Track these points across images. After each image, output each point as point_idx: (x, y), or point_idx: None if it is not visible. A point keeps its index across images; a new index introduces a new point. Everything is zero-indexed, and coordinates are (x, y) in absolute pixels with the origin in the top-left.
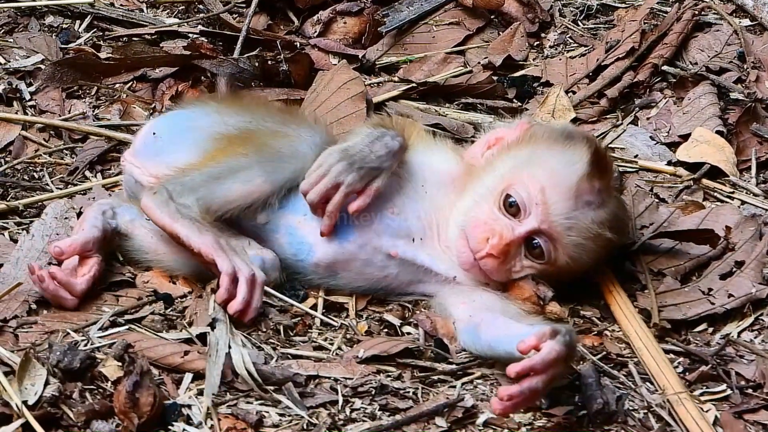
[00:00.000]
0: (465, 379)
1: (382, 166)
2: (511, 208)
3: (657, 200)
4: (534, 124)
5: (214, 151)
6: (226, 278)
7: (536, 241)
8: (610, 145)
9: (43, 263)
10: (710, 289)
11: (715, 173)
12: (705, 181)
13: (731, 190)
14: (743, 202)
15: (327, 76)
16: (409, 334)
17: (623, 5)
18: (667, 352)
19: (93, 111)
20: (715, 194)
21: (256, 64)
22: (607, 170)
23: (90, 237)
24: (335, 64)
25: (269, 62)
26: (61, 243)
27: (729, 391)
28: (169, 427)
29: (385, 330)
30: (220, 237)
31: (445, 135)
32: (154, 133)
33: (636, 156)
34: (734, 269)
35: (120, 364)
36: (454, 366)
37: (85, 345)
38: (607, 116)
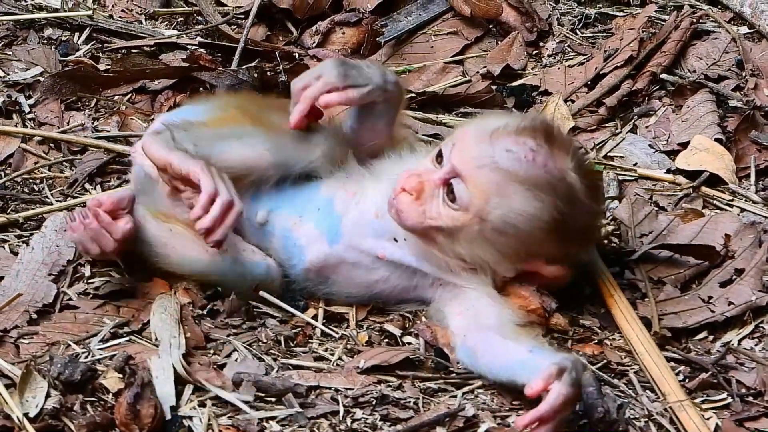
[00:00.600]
0: (466, 389)
1: (370, 82)
2: (439, 157)
3: (656, 208)
4: None
5: (224, 116)
6: (205, 196)
7: (451, 184)
8: (609, 154)
9: (43, 275)
10: (710, 297)
11: (714, 181)
12: (704, 188)
13: (731, 197)
14: (742, 210)
15: None
16: (409, 344)
17: (621, 14)
18: (667, 360)
19: (92, 123)
20: (714, 201)
21: (255, 76)
22: (555, 139)
23: (125, 195)
24: None
25: (268, 73)
26: (99, 195)
27: (729, 399)
28: None
29: (386, 340)
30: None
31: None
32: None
33: (635, 164)
34: (734, 277)
35: (121, 375)
36: (454, 376)
37: (86, 357)
38: (606, 125)
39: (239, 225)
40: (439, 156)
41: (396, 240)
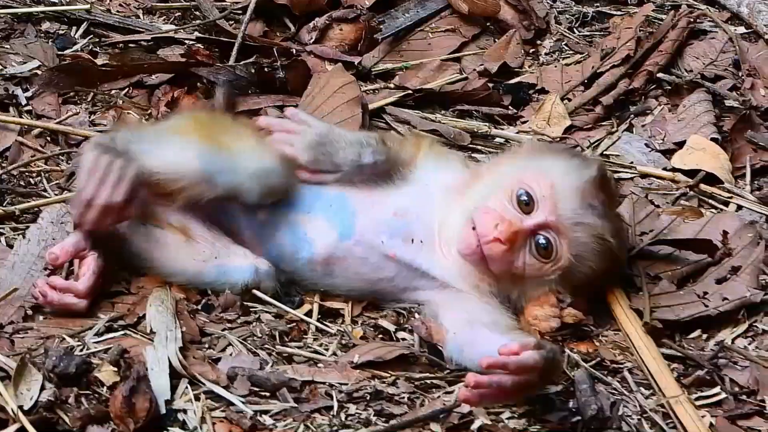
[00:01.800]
0: (460, 385)
1: (340, 169)
2: (524, 204)
3: (655, 206)
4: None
5: (178, 125)
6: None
7: (543, 236)
8: (605, 153)
9: (39, 268)
10: (705, 293)
11: (711, 181)
12: (702, 186)
13: (729, 195)
14: (740, 207)
15: (322, 79)
16: (404, 339)
17: (619, 13)
18: (663, 356)
19: (89, 117)
20: (711, 201)
21: (253, 71)
22: (611, 189)
23: (80, 236)
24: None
25: (266, 69)
26: (54, 248)
27: (723, 395)
28: (165, 431)
29: (380, 336)
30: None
31: (456, 149)
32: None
33: (631, 163)
34: (730, 274)
35: (116, 369)
36: (448, 372)
37: (81, 350)
38: (602, 123)
39: (239, 223)
40: (524, 202)
41: (413, 241)
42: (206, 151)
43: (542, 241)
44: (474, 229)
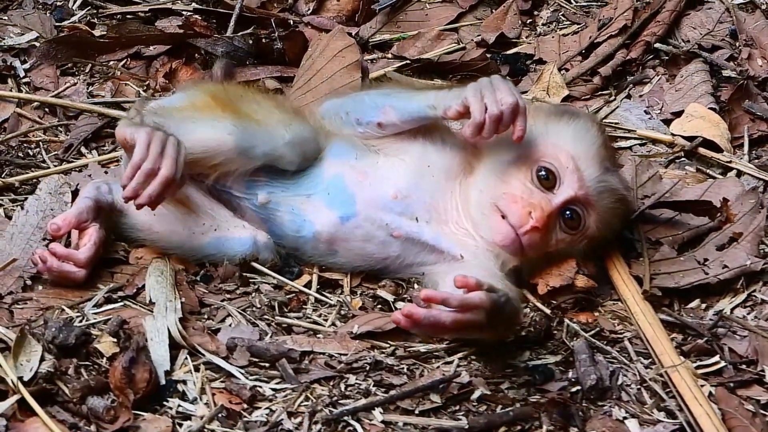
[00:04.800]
0: (460, 355)
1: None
2: (546, 180)
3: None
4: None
5: (198, 102)
6: (130, 166)
7: (570, 212)
8: (604, 121)
9: (38, 239)
10: (705, 260)
11: (709, 149)
12: (702, 150)
13: (728, 160)
14: (740, 173)
15: (322, 42)
16: None
17: None
18: (662, 323)
19: (87, 88)
20: (709, 171)
21: (250, 42)
22: (609, 138)
23: (83, 207)
24: None
25: (263, 40)
26: (56, 219)
27: (722, 364)
28: (164, 402)
29: (379, 306)
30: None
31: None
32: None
33: (630, 131)
34: (731, 241)
35: (115, 340)
36: (447, 342)
37: (80, 321)
38: (600, 93)
39: (239, 202)
40: (546, 178)
41: (417, 220)
42: (239, 126)
43: (570, 214)
44: (504, 218)
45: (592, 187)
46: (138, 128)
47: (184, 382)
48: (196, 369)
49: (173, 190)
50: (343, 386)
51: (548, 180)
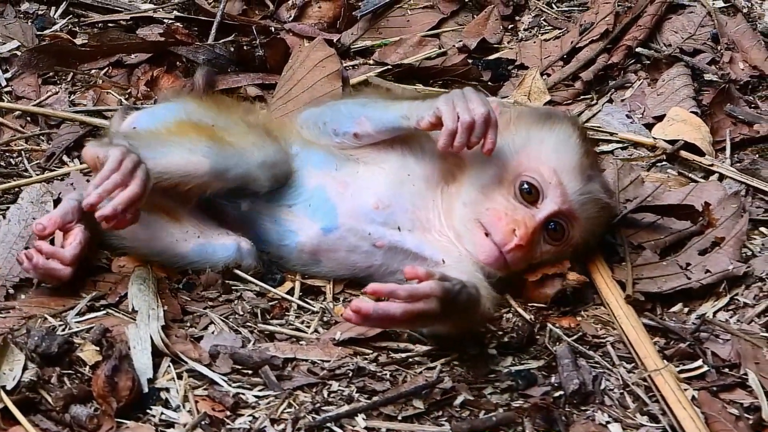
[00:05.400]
0: (442, 361)
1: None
2: (529, 195)
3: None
4: (503, 104)
5: (172, 127)
6: (99, 175)
7: (554, 224)
8: (586, 124)
9: (20, 248)
10: (688, 264)
11: (691, 152)
12: (684, 153)
13: (709, 164)
14: (722, 177)
15: (303, 52)
16: None
17: None
18: (644, 327)
19: (69, 97)
20: (691, 175)
21: (232, 50)
22: (591, 142)
23: (68, 208)
24: None
25: (245, 47)
26: (41, 219)
27: (705, 368)
28: (147, 410)
29: None
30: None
31: None
32: (134, 127)
33: (613, 134)
34: (713, 245)
35: (98, 348)
36: (430, 348)
37: (63, 330)
38: (582, 98)
39: (223, 208)
40: (529, 193)
41: (399, 229)
42: (213, 148)
43: (555, 226)
44: (488, 235)
45: (575, 200)
46: (110, 147)
47: (167, 389)
48: (179, 377)
49: (134, 212)
50: (326, 393)
51: (531, 194)
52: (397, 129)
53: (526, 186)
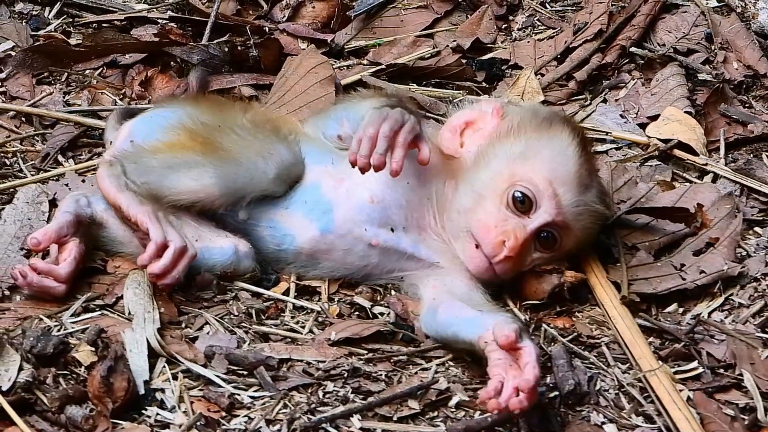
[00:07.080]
0: (437, 361)
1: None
2: (522, 204)
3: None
4: (507, 106)
5: (175, 141)
6: (153, 246)
7: (546, 233)
8: (580, 124)
9: (15, 248)
10: (683, 265)
11: (685, 152)
12: (678, 153)
13: (704, 162)
14: (716, 178)
15: (295, 61)
16: (381, 314)
17: None
18: (639, 328)
19: (63, 97)
20: (685, 175)
21: (226, 50)
22: (591, 149)
23: (63, 222)
24: (304, 49)
25: (239, 48)
26: (36, 234)
27: (700, 370)
28: (143, 411)
29: (357, 313)
30: (160, 211)
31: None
32: (131, 141)
33: (607, 133)
34: (708, 246)
35: (93, 349)
36: (425, 348)
37: (59, 330)
38: (576, 98)
39: (220, 217)
40: (522, 203)
41: (393, 230)
42: (220, 169)
43: (546, 235)
44: (478, 247)
45: (569, 211)
46: (134, 202)
47: (163, 390)
48: (175, 377)
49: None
50: (321, 393)
51: (524, 204)
52: None
53: (519, 195)
